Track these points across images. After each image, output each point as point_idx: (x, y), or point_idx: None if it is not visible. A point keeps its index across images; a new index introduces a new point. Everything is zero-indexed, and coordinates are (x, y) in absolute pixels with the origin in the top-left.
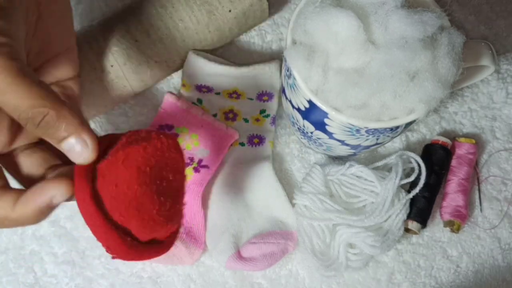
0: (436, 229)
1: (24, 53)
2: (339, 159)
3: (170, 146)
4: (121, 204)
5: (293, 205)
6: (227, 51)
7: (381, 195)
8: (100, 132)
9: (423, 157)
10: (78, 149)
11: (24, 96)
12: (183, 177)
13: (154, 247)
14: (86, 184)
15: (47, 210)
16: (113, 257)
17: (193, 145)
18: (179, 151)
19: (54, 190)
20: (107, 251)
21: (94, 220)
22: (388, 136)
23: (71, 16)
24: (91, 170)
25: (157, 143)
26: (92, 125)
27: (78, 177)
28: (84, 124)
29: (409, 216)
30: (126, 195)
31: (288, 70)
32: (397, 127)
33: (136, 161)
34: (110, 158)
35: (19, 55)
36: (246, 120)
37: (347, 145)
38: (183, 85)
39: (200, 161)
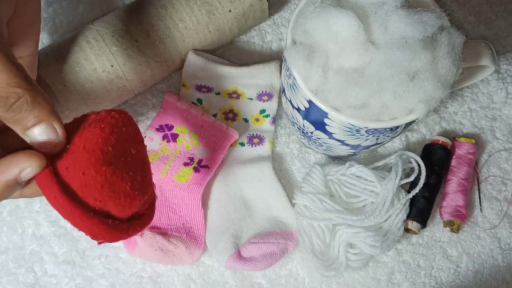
0: (436, 229)
1: (6, 32)
2: (339, 159)
3: (124, 121)
4: (93, 190)
5: (293, 205)
6: (227, 51)
7: (381, 195)
8: None
9: (423, 157)
10: (48, 137)
11: (2, 74)
12: (144, 148)
13: (136, 222)
14: (53, 178)
15: (14, 185)
16: (99, 243)
17: (193, 145)
18: (133, 123)
19: (24, 163)
20: (92, 238)
21: (71, 213)
22: (388, 136)
23: (39, 23)
24: (51, 164)
25: (111, 120)
26: None
27: (42, 174)
28: (54, 111)
29: (409, 216)
30: (96, 179)
31: (288, 70)
32: (397, 127)
33: (97, 143)
34: (70, 148)
35: (2, 34)
36: (246, 120)
37: (347, 145)
38: (183, 85)
39: (200, 161)
